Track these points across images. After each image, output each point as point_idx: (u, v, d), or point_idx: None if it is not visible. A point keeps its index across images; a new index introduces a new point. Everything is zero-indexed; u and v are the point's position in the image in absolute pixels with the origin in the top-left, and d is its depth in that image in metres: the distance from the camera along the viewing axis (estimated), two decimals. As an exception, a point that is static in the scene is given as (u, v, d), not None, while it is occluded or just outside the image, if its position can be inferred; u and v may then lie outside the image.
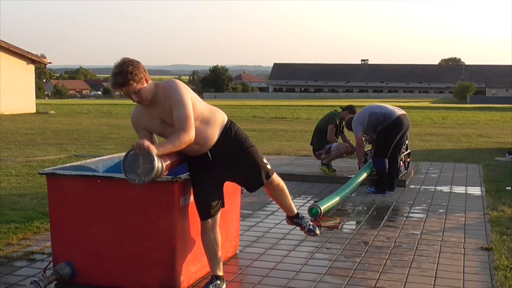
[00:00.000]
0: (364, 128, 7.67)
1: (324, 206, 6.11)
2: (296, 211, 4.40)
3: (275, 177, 4.12)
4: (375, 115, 7.62)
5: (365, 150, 8.40)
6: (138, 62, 3.62)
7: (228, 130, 3.91)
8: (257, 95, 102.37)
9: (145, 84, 3.60)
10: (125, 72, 3.52)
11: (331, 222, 6.02)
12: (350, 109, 8.64)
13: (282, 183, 4.20)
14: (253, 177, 4.03)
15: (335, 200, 6.47)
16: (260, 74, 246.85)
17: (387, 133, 7.53)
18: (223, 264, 4.39)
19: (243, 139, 3.98)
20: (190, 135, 3.62)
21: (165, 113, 3.67)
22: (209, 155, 3.85)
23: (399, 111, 7.68)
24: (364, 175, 7.60)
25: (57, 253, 4.06)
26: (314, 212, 5.98)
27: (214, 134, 3.82)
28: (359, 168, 8.07)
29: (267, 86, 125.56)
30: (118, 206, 3.88)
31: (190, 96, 3.69)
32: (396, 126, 7.53)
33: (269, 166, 4.08)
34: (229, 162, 3.92)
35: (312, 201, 7.06)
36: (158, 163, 3.49)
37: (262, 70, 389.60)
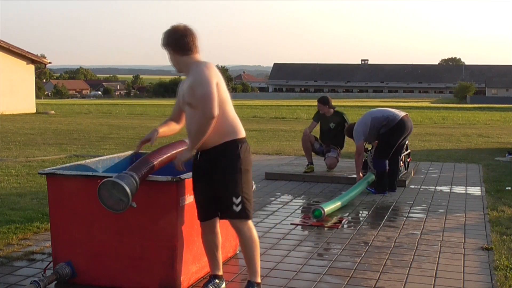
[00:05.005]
0: (366, 136, 7.59)
1: (327, 209, 6.11)
2: (258, 281, 3.80)
3: (248, 226, 3.71)
4: (378, 119, 7.57)
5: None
6: (187, 35, 3.68)
7: (232, 143, 3.67)
8: (257, 95, 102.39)
9: (178, 55, 3.71)
10: (166, 35, 3.71)
11: (331, 222, 6.02)
12: (321, 101, 8.75)
13: (255, 238, 3.73)
14: (223, 203, 3.72)
15: (336, 204, 6.46)
16: (260, 74, 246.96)
17: (390, 135, 7.49)
18: (223, 264, 4.39)
19: (237, 161, 3.66)
20: (207, 114, 3.51)
21: (186, 91, 3.69)
22: (198, 155, 3.77)
23: (401, 113, 7.65)
24: (365, 183, 7.56)
25: (57, 253, 4.06)
26: (317, 214, 5.99)
27: (213, 135, 3.64)
28: (357, 174, 8.07)
29: (267, 86, 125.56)
30: (118, 206, 3.87)
31: (214, 78, 3.60)
32: (400, 128, 7.50)
33: (237, 208, 3.64)
34: (209, 173, 3.72)
35: (312, 201, 7.06)
36: (129, 193, 3.53)
37: (262, 70, 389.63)
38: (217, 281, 3.93)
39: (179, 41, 3.69)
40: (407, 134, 7.63)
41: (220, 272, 3.99)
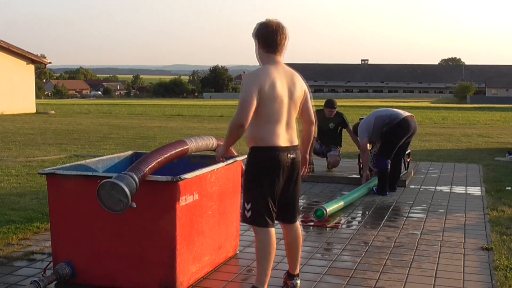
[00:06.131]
0: (369, 134, 7.58)
1: (329, 209, 6.11)
2: (258, 286, 3.74)
3: (258, 232, 3.72)
4: (381, 117, 7.57)
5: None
6: (276, 33, 3.69)
7: (253, 150, 3.71)
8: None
9: (260, 49, 3.75)
10: (258, 26, 3.76)
11: (333, 222, 6.01)
12: (331, 106, 8.74)
13: (265, 247, 3.70)
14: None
15: (339, 204, 6.46)
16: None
17: (392, 134, 7.48)
18: (223, 264, 4.40)
19: (248, 168, 3.75)
20: (235, 120, 3.56)
21: None
22: None
23: (406, 113, 7.65)
24: (366, 189, 7.55)
25: (57, 253, 4.06)
26: (319, 214, 5.99)
27: (247, 138, 3.75)
28: (361, 171, 8.07)
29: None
30: (118, 206, 3.86)
31: (257, 85, 3.58)
32: (402, 127, 7.47)
33: (247, 214, 3.73)
34: None
35: (312, 201, 7.06)
36: (129, 194, 3.55)
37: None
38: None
39: (266, 36, 3.70)
40: (410, 134, 7.59)
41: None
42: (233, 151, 4.77)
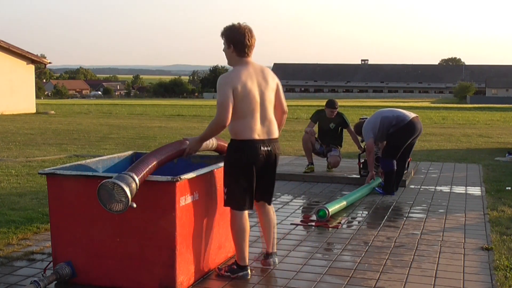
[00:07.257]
0: (375, 134, 7.53)
1: (331, 209, 6.10)
2: (239, 262, 4.19)
3: (232, 214, 4.14)
4: (387, 118, 7.51)
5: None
6: (249, 37, 4.00)
7: (232, 142, 4.09)
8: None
9: (230, 50, 4.05)
10: (230, 28, 4.05)
11: (335, 222, 6.01)
12: (332, 106, 8.71)
13: (236, 227, 4.13)
14: None
15: (341, 204, 6.45)
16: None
17: (399, 135, 7.44)
18: (223, 264, 4.40)
19: (226, 157, 4.14)
20: (217, 120, 3.93)
21: None
22: None
23: (412, 114, 7.62)
24: (369, 188, 7.54)
25: (57, 253, 4.06)
26: (321, 214, 5.98)
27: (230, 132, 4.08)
28: (361, 171, 8.05)
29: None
30: (118, 206, 3.86)
31: (230, 87, 3.91)
32: (409, 129, 7.44)
33: (225, 197, 4.14)
34: None
35: (312, 201, 7.07)
36: (129, 194, 3.58)
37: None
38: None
39: (240, 42, 4.00)
40: (416, 135, 7.57)
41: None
42: None
